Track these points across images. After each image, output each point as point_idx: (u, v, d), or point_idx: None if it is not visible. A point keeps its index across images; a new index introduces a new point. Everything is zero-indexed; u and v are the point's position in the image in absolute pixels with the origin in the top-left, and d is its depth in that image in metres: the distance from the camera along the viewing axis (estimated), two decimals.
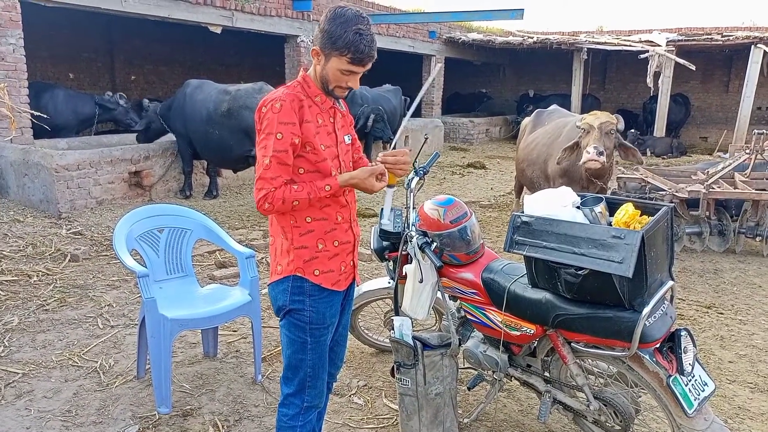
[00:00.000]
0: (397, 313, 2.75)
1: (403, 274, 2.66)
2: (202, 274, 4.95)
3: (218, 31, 9.85)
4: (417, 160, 2.66)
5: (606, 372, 2.57)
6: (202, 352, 3.60)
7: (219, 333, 3.65)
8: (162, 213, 3.43)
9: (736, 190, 5.74)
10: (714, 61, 16.86)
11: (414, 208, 2.66)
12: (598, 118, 4.86)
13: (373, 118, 9.66)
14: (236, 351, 3.66)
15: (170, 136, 8.25)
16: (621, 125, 4.92)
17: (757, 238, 5.80)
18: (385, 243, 2.85)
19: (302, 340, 2.09)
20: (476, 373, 2.86)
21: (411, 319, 2.66)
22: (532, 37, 16.32)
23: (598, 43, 15.00)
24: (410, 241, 2.55)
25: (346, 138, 2.19)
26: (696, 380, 2.25)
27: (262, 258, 5.32)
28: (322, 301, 2.09)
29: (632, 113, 16.66)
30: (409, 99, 11.70)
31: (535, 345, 2.61)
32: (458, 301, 2.77)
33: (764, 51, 12.71)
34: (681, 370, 2.18)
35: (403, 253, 2.65)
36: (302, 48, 11.33)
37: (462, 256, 2.65)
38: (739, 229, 5.78)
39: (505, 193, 9.23)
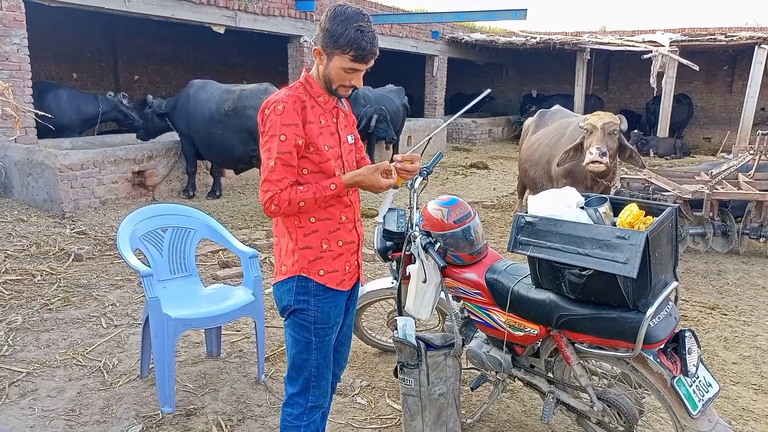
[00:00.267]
0: (400, 314, 2.75)
1: (407, 274, 2.66)
2: (206, 273, 4.96)
3: (221, 31, 9.86)
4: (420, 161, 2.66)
5: (610, 373, 2.57)
6: (205, 352, 3.60)
7: (222, 333, 3.66)
8: (166, 213, 3.44)
9: (740, 191, 5.73)
10: (717, 61, 16.82)
11: (417, 208, 2.66)
12: (601, 118, 4.86)
13: (376, 119, 9.65)
14: (239, 351, 3.66)
15: (173, 136, 8.26)
16: (624, 126, 4.91)
17: (761, 239, 5.79)
18: (388, 243, 2.85)
19: (307, 340, 2.10)
20: (479, 373, 2.87)
21: (414, 319, 2.66)
22: (535, 38, 16.30)
23: (601, 44, 14.97)
24: (414, 242, 2.55)
25: (349, 138, 2.19)
26: (700, 381, 2.24)
27: (265, 258, 5.32)
28: (326, 300, 2.09)
29: (635, 114, 16.65)
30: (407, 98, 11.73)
31: (538, 345, 2.61)
32: (462, 302, 2.76)
33: None
34: (685, 371, 2.18)
35: (407, 253, 2.65)
36: (305, 48, 11.34)
37: (465, 256, 2.65)
38: (743, 230, 5.76)
39: (507, 194, 9.22)
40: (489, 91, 3.38)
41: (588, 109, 13.77)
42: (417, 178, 2.66)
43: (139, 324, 3.72)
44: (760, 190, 5.72)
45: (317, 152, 2.01)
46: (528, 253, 2.33)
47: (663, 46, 13.64)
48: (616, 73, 18.79)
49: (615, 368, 2.50)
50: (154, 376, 3.10)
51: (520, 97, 19.05)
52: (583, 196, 2.47)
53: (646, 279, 2.12)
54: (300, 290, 2.06)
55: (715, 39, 13.79)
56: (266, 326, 3.68)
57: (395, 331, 2.65)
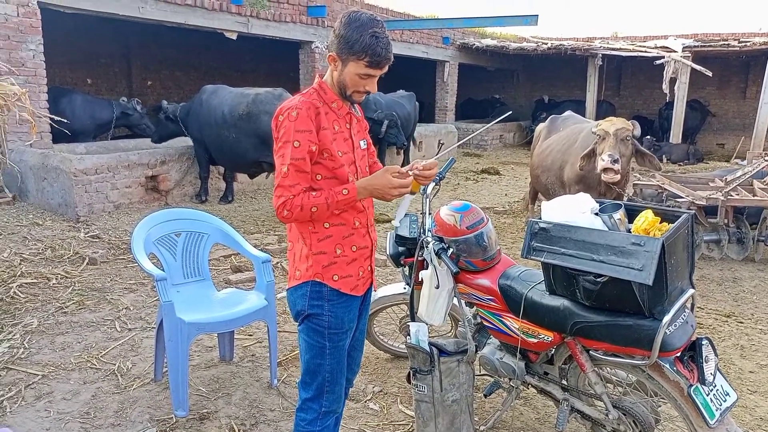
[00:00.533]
0: (413, 319, 2.74)
1: (419, 279, 2.66)
2: (218, 278, 4.98)
3: (234, 37, 9.94)
4: None
5: (625, 381, 2.55)
6: (218, 356, 3.61)
7: (235, 337, 3.67)
8: (179, 217, 3.46)
9: (755, 198, 5.67)
10: (731, 67, 16.68)
11: (430, 213, 2.66)
12: (613, 124, 4.83)
13: (387, 124, 9.67)
14: (252, 355, 3.67)
15: (186, 141, 8.32)
16: (637, 131, 4.88)
17: None
18: (401, 248, 2.85)
19: (321, 345, 2.10)
20: (493, 380, 2.85)
21: (427, 325, 2.65)
22: (546, 43, 16.28)
23: (613, 49, 14.92)
24: (426, 247, 2.54)
25: (361, 143, 2.20)
26: (717, 390, 2.22)
27: (277, 262, 5.34)
28: (340, 305, 2.10)
29: (647, 119, 16.53)
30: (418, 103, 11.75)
31: (552, 352, 2.59)
32: (474, 308, 2.75)
33: None
34: (702, 380, 2.15)
35: (419, 258, 2.65)
36: (317, 54, 11.40)
37: (478, 262, 2.64)
38: (759, 237, 5.70)
39: (519, 200, 9.17)
40: (510, 113, 3.54)
41: (600, 115, 13.72)
42: (430, 183, 2.66)
43: (153, 328, 3.74)
44: None
45: (331, 158, 2.02)
46: (542, 260, 2.33)
47: (676, 51, 13.56)
48: (628, 78, 18.70)
49: (630, 376, 2.48)
50: (167, 379, 3.11)
51: (531, 102, 19.00)
52: (597, 202, 2.46)
53: (662, 286, 2.10)
54: (314, 295, 2.07)
55: (728, 45, 13.70)
56: (279, 331, 3.68)
57: (408, 337, 2.65)
